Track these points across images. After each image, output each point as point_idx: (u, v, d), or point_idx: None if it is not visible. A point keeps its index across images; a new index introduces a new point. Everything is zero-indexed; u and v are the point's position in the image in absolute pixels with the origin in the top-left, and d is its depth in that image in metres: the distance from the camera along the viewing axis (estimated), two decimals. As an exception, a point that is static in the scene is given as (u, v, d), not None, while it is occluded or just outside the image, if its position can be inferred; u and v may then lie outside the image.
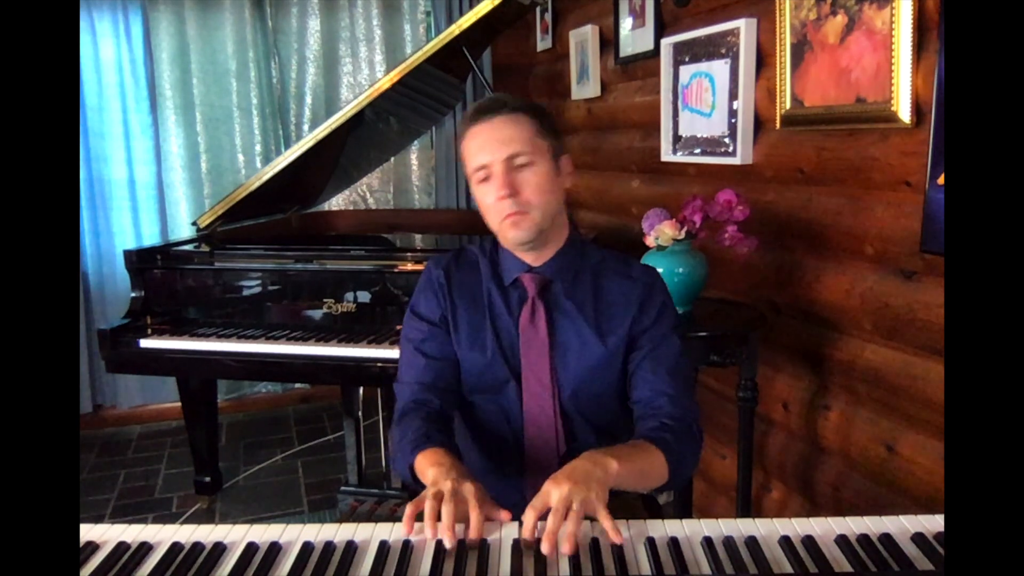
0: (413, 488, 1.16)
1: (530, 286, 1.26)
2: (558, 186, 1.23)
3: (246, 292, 2.37)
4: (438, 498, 0.98)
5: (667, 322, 1.26)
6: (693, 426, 1.20)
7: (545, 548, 0.90)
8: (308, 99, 3.57)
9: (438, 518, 0.96)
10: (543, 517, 0.95)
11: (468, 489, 1.00)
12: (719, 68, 2.13)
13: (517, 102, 1.21)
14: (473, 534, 0.95)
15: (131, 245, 2.71)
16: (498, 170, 1.17)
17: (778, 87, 1.89)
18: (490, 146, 1.18)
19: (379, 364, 2.09)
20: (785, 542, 0.94)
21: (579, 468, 1.01)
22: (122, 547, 0.97)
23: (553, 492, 0.96)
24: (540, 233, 1.21)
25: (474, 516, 0.96)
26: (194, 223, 2.62)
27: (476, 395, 1.30)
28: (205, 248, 2.43)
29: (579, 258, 1.29)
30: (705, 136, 2.24)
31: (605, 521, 0.94)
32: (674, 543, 0.93)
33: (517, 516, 1.25)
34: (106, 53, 3.34)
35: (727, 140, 2.14)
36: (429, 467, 1.09)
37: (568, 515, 0.93)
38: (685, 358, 1.27)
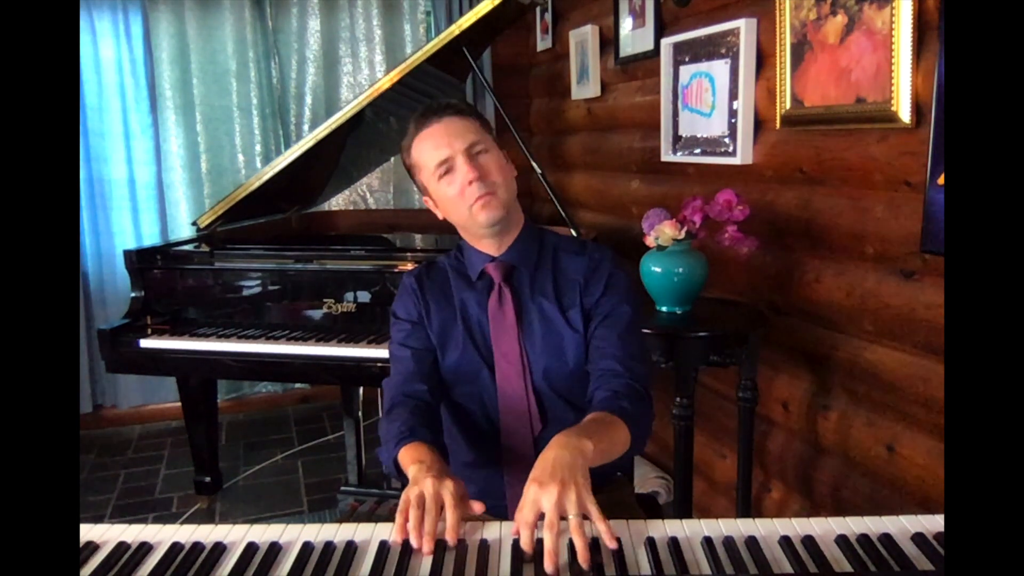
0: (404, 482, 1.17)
1: (495, 274, 1.32)
2: (511, 172, 1.31)
3: (246, 292, 2.37)
4: (420, 506, 0.98)
5: (617, 292, 1.32)
6: (642, 389, 1.25)
7: (550, 568, 0.87)
8: (308, 99, 3.57)
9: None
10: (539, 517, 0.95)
11: (447, 488, 1.00)
12: (719, 68, 2.13)
13: (461, 105, 1.29)
14: (450, 535, 0.95)
15: (131, 245, 2.71)
16: (461, 159, 1.24)
17: (778, 87, 1.89)
18: (447, 140, 1.25)
19: (379, 364, 2.09)
20: (785, 542, 0.94)
21: (560, 460, 0.99)
22: (122, 547, 0.97)
23: (543, 499, 0.94)
24: (507, 213, 1.28)
25: (450, 516, 0.96)
26: (194, 223, 2.62)
27: (454, 388, 1.35)
28: (205, 248, 2.42)
29: (538, 242, 1.36)
30: (705, 136, 2.24)
31: (600, 524, 0.93)
32: (674, 543, 0.93)
33: (503, 506, 1.25)
34: (106, 53, 3.34)
35: (727, 140, 2.14)
36: (411, 464, 1.11)
37: (571, 528, 0.92)
38: (638, 325, 1.33)
